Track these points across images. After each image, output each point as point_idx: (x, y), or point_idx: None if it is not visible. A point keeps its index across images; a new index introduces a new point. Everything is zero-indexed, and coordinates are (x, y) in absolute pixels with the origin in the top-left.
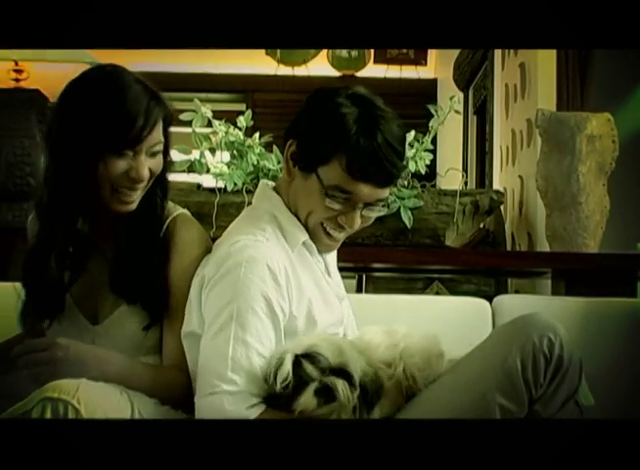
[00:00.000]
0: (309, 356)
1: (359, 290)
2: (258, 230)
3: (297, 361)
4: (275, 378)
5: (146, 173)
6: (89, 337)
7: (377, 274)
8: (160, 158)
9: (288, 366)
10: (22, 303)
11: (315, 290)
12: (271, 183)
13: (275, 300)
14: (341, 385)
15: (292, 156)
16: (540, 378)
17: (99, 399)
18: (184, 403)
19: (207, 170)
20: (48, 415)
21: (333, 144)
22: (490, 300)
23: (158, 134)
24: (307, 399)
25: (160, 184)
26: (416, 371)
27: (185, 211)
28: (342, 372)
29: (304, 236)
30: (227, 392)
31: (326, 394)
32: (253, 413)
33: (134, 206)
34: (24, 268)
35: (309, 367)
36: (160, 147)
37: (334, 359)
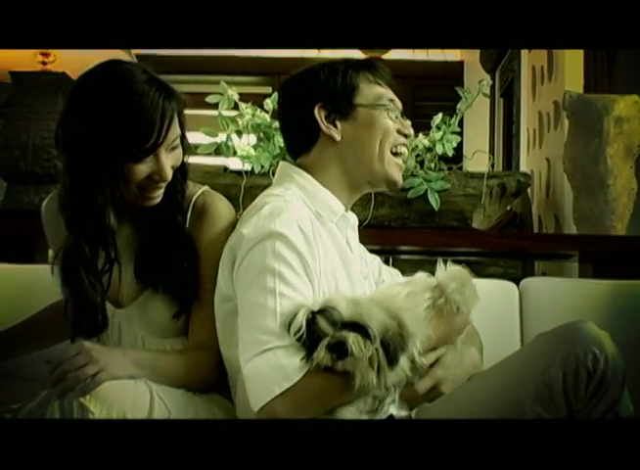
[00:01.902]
0: (323, 311)
1: None
2: (286, 193)
3: (313, 317)
4: (288, 331)
5: (169, 172)
6: (115, 321)
7: (404, 257)
8: (179, 149)
9: (300, 319)
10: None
11: (340, 264)
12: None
13: (309, 260)
14: (351, 338)
15: (326, 118)
16: (581, 392)
17: (114, 393)
18: (212, 385)
19: (234, 153)
20: (62, 416)
21: (352, 73)
22: (517, 282)
23: (175, 131)
24: (321, 355)
25: (179, 170)
26: (457, 295)
27: (207, 187)
28: (355, 325)
29: (341, 208)
30: (281, 346)
31: (339, 348)
32: (308, 366)
33: (158, 199)
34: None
35: (322, 322)
36: (179, 139)
37: (347, 313)
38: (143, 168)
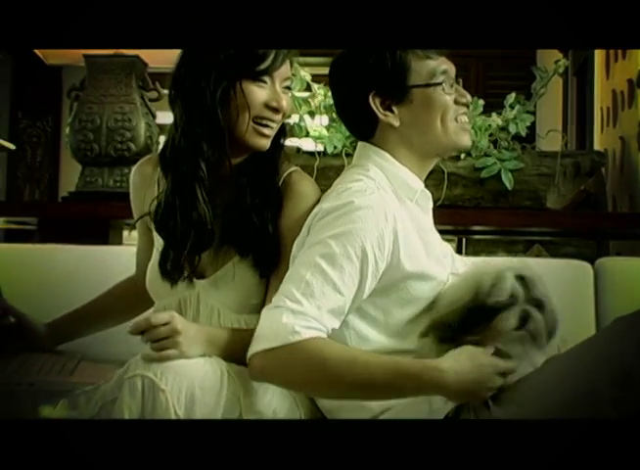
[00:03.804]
0: (524, 278)
1: (459, 252)
2: (369, 179)
3: (513, 281)
4: (490, 291)
5: (285, 104)
6: (194, 292)
7: (477, 237)
8: (289, 96)
9: (509, 283)
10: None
11: (420, 244)
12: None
13: (372, 248)
14: (539, 318)
15: (382, 106)
16: None
17: (184, 370)
18: None
19: (307, 134)
20: (133, 394)
21: (400, 51)
22: (591, 262)
23: (288, 69)
24: (510, 320)
25: (281, 128)
26: None
27: (298, 167)
28: (541, 305)
29: (421, 184)
30: (290, 308)
31: (523, 321)
32: (307, 333)
33: (269, 142)
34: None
35: (519, 289)
36: (290, 85)
37: (539, 289)
38: (260, 92)
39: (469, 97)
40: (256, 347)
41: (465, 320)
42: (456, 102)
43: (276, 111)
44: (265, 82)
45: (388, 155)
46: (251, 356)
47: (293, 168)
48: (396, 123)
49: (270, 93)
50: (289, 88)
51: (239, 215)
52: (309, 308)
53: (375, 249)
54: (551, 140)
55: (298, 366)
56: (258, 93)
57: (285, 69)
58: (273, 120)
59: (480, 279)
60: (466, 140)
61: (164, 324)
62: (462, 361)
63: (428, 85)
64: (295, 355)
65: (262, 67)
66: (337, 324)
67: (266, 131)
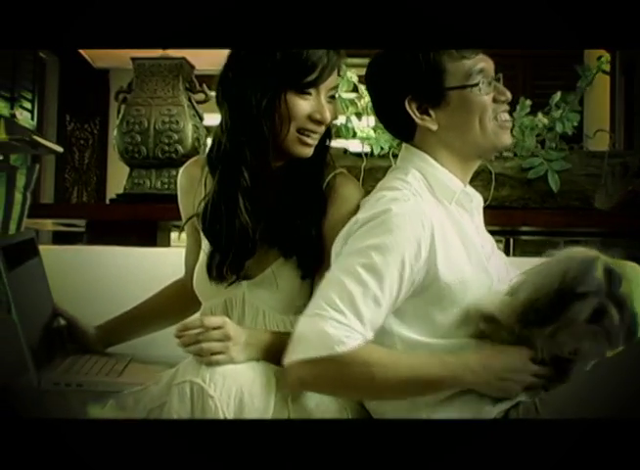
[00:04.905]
0: (611, 272)
1: (506, 253)
2: (405, 184)
3: (601, 272)
4: (576, 277)
5: (329, 115)
6: (239, 292)
7: (524, 237)
8: (333, 104)
9: (599, 273)
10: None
11: (461, 248)
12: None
13: (409, 257)
14: (616, 317)
15: (419, 110)
16: None
17: (233, 376)
18: None
19: (354, 135)
20: (182, 400)
21: (434, 53)
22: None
23: (335, 78)
24: (584, 311)
25: (327, 132)
26: None
27: (344, 170)
28: (622, 305)
29: (460, 185)
30: (334, 318)
31: (598, 315)
32: (352, 343)
33: (312, 150)
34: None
35: (602, 282)
36: (335, 93)
37: (623, 288)
38: (304, 104)
39: (508, 94)
40: (297, 355)
41: (550, 305)
42: (495, 100)
43: (319, 122)
44: (310, 94)
45: (428, 157)
46: (290, 365)
47: (338, 171)
48: (434, 127)
49: (315, 105)
50: (333, 97)
51: (282, 218)
52: (353, 321)
53: (412, 258)
54: (599, 140)
55: (345, 375)
56: (302, 105)
57: (332, 79)
58: (316, 132)
59: (570, 264)
60: (505, 139)
61: (216, 328)
62: (495, 356)
63: (464, 87)
64: (340, 365)
65: (309, 79)
66: (372, 335)
67: (309, 141)
